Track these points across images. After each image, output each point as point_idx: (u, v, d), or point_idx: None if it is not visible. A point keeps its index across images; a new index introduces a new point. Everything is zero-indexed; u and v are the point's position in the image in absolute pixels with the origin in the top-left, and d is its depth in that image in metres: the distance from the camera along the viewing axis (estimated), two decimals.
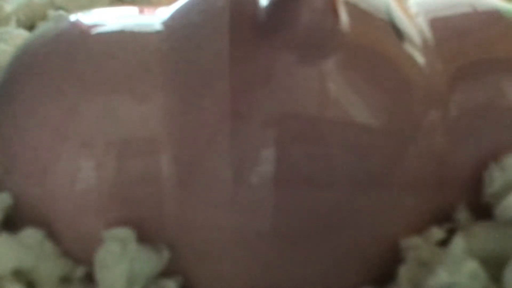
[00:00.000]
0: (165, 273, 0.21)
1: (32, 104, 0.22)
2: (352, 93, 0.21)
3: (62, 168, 0.21)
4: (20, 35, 0.32)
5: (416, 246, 0.22)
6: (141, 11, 0.24)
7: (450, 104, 0.23)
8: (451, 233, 0.22)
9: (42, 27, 0.25)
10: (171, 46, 0.22)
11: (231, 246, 0.21)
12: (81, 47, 0.22)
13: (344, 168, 0.21)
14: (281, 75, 0.21)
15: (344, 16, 0.21)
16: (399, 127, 0.21)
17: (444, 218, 0.22)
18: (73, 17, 0.24)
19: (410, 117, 0.22)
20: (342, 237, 0.21)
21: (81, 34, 0.23)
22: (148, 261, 0.21)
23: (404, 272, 0.21)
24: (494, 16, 0.24)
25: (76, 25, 0.23)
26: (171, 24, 0.23)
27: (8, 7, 0.36)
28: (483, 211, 0.22)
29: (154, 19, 0.23)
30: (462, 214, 0.22)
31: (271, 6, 0.21)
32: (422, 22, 0.24)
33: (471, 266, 0.20)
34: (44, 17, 0.35)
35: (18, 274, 0.21)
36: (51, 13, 0.35)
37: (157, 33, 0.22)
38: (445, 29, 0.24)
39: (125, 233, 0.21)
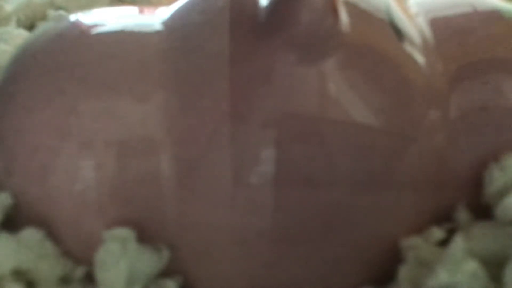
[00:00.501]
0: (165, 273, 0.21)
1: (32, 104, 0.22)
2: (352, 93, 0.21)
3: (62, 168, 0.21)
4: (20, 35, 0.32)
5: (416, 246, 0.22)
6: (141, 11, 0.24)
7: (450, 104, 0.23)
8: (451, 233, 0.22)
9: (42, 27, 0.25)
10: (171, 46, 0.22)
11: (231, 246, 0.21)
12: (81, 47, 0.22)
13: (344, 168, 0.21)
14: (281, 75, 0.21)
15: (344, 16, 0.21)
16: (399, 127, 0.21)
17: (444, 218, 0.22)
18: (73, 17, 0.24)
19: (410, 117, 0.22)
20: (342, 237, 0.21)
21: (81, 34, 0.23)
22: (148, 261, 0.21)
23: (404, 272, 0.21)
24: (494, 16, 0.24)
25: (76, 25, 0.23)
26: (171, 24, 0.23)
27: (8, 7, 0.36)
28: (483, 211, 0.22)
29: (154, 19, 0.23)
30: (462, 214, 0.22)
31: (271, 6, 0.21)
32: (422, 22, 0.24)
33: (471, 266, 0.20)
34: (44, 17, 0.35)
35: (18, 274, 0.21)
36: (51, 13, 0.35)
37: (157, 33, 0.22)
38: (445, 29, 0.24)
39: (125, 233, 0.21)
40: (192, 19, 0.22)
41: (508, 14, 0.24)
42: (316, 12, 0.21)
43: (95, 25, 0.23)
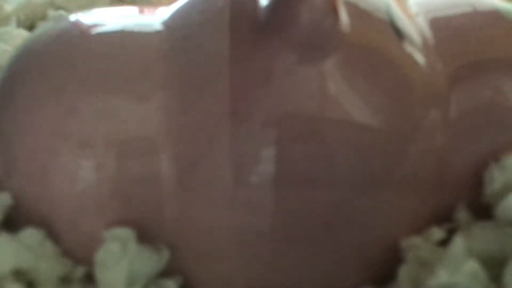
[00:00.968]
0: (165, 273, 0.21)
1: (32, 104, 0.22)
2: (352, 93, 0.21)
3: (62, 168, 0.21)
4: (20, 35, 0.32)
5: (416, 246, 0.22)
6: (141, 11, 0.24)
7: (450, 104, 0.23)
8: (451, 233, 0.22)
9: (42, 27, 0.25)
10: (171, 46, 0.22)
11: (231, 246, 0.21)
12: (81, 47, 0.22)
13: (344, 168, 0.21)
14: (281, 75, 0.21)
15: (344, 16, 0.21)
16: (399, 126, 0.21)
17: (444, 218, 0.22)
18: (73, 17, 0.24)
19: (410, 117, 0.22)
20: (342, 237, 0.21)
21: (81, 34, 0.23)
22: (148, 261, 0.21)
23: (404, 272, 0.21)
24: (494, 16, 0.24)
25: (76, 25, 0.23)
26: (171, 24, 0.23)
27: (8, 7, 0.36)
28: (483, 211, 0.22)
29: (154, 19, 0.23)
30: (462, 214, 0.22)
31: (271, 6, 0.21)
32: (422, 22, 0.24)
33: (471, 266, 0.20)
34: (44, 17, 0.35)
35: (18, 274, 0.21)
36: (51, 13, 0.35)
37: (157, 33, 0.22)
38: (445, 29, 0.24)
39: (125, 233, 0.21)
40: (192, 19, 0.22)
41: (508, 14, 0.24)
42: (316, 12, 0.21)
43: (95, 25, 0.23)
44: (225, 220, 0.21)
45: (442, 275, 0.20)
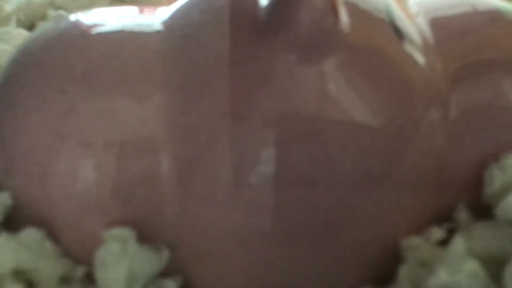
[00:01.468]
0: (165, 273, 0.21)
1: (32, 104, 0.22)
2: (352, 93, 0.21)
3: (62, 168, 0.21)
4: (20, 35, 0.32)
5: (416, 246, 0.22)
6: (141, 11, 0.24)
7: (450, 104, 0.23)
8: (451, 233, 0.22)
9: (42, 27, 0.25)
10: (171, 46, 0.22)
11: (231, 246, 0.21)
12: (81, 47, 0.22)
13: (344, 168, 0.21)
14: (281, 75, 0.21)
15: (344, 16, 0.21)
16: (399, 127, 0.21)
17: (444, 218, 0.22)
18: (73, 17, 0.24)
19: (410, 117, 0.22)
20: (342, 237, 0.21)
21: (81, 34, 0.23)
22: (148, 261, 0.21)
23: (404, 272, 0.21)
24: (494, 16, 0.24)
25: (76, 25, 0.23)
26: (171, 24, 0.23)
27: (8, 7, 0.36)
28: (483, 211, 0.22)
29: (154, 19, 0.23)
30: (462, 214, 0.22)
31: (271, 6, 0.21)
32: (422, 22, 0.24)
33: (471, 266, 0.20)
34: (44, 17, 0.35)
35: (18, 274, 0.21)
36: (51, 13, 0.35)
37: (157, 33, 0.22)
38: (445, 29, 0.24)
39: (125, 233, 0.21)
40: (192, 19, 0.22)
41: (508, 14, 0.24)
42: (316, 12, 0.21)
43: (95, 25, 0.23)
44: (225, 220, 0.21)
45: (442, 275, 0.20)
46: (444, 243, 0.22)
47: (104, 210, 0.21)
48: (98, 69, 0.22)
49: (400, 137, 0.21)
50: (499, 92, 0.23)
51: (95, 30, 0.23)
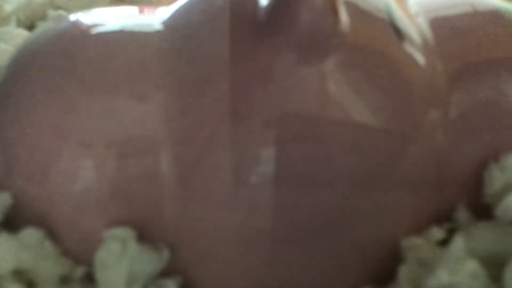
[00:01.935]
0: (165, 273, 0.21)
1: (32, 104, 0.22)
2: (352, 93, 0.21)
3: (62, 168, 0.21)
4: (20, 35, 0.32)
5: (416, 246, 0.22)
6: (141, 11, 0.24)
7: (450, 104, 0.23)
8: (451, 233, 0.22)
9: (42, 27, 0.25)
10: (171, 46, 0.22)
11: (231, 246, 0.21)
12: (81, 47, 0.22)
13: (344, 168, 0.21)
14: (281, 75, 0.21)
15: (344, 16, 0.21)
16: (399, 127, 0.21)
17: (444, 218, 0.22)
18: (73, 17, 0.24)
19: (410, 117, 0.22)
20: (342, 237, 0.21)
21: (81, 34, 0.23)
22: (148, 261, 0.21)
23: (404, 272, 0.21)
24: (494, 16, 0.24)
25: (76, 25, 0.23)
26: (171, 24, 0.23)
27: (8, 7, 0.36)
28: (483, 211, 0.22)
29: (154, 19, 0.23)
30: (462, 214, 0.22)
31: (271, 6, 0.21)
32: (422, 22, 0.24)
33: (471, 266, 0.20)
34: (44, 17, 0.35)
35: (18, 274, 0.21)
36: (51, 13, 0.35)
37: (157, 33, 0.22)
38: (445, 29, 0.24)
39: (125, 233, 0.21)
40: (192, 19, 0.22)
41: (508, 14, 0.24)
42: (316, 12, 0.21)
43: (95, 25, 0.23)
44: (225, 220, 0.21)
45: (442, 275, 0.20)
46: (444, 243, 0.22)
47: (104, 210, 0.21)
48: (98, 69, 0.22)
49: (400, 137, 0.21)
50: (499, 92, 0.23)
51: (95, 30, 0.23)
